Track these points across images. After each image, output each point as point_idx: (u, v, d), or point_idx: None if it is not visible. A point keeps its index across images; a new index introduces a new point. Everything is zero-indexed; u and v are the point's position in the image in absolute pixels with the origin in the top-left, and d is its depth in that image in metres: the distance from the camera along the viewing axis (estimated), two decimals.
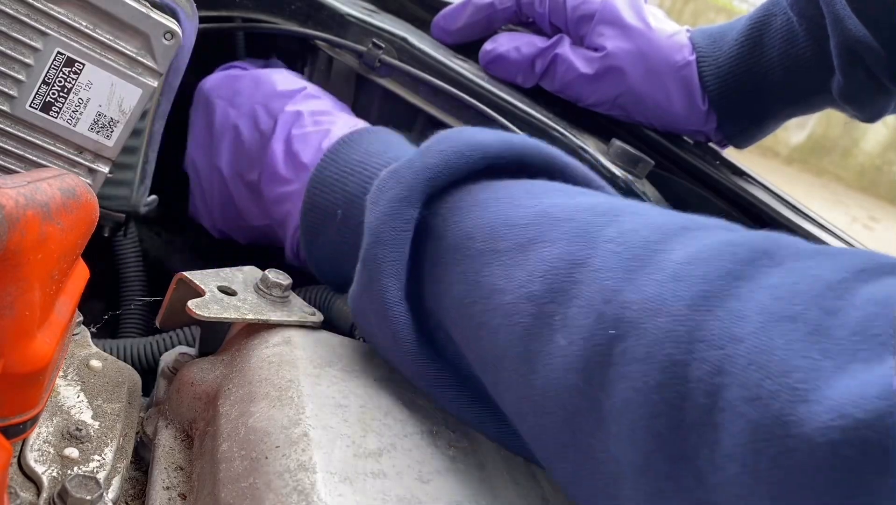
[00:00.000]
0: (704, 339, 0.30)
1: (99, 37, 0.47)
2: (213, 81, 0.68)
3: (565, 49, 0.73)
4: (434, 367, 0.45)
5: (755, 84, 0.71)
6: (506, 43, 0.75)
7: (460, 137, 0.47)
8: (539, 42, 0.74)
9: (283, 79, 0.66)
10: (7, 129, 0.47)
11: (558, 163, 0.49)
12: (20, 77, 0.46)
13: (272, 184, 0.60)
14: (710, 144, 0.79)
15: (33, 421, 0.36)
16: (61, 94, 0.47)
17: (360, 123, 0.62)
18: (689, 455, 0.30)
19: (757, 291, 0.31)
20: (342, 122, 0.61)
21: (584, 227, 0.39)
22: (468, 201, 0.46)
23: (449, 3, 0.81)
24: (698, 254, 0.34)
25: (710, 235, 0.35)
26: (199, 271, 0.49)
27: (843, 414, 0.25)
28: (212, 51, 0.70)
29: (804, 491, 0.25)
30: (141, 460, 0.46)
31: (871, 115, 0.70)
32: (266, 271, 0.51)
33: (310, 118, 0.61)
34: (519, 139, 0.49)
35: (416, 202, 0.45)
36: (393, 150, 0.56)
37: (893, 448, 0.24)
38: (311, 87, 0.67)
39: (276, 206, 0.60)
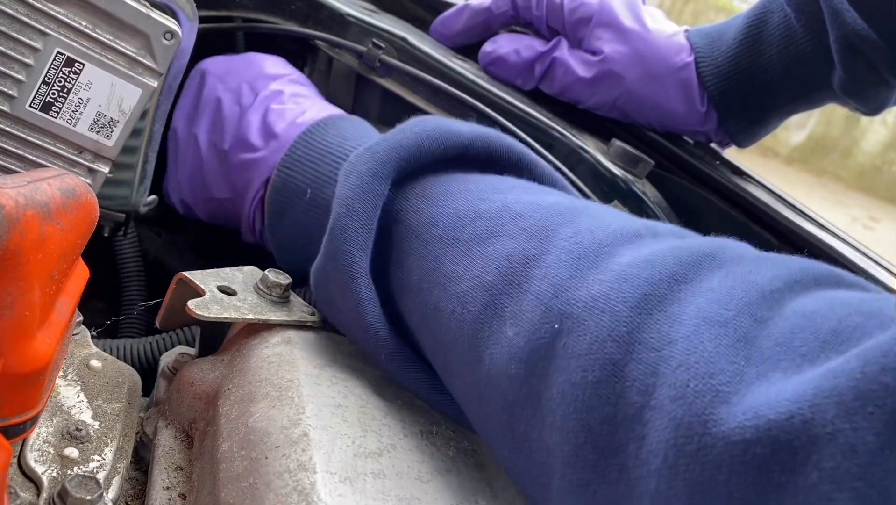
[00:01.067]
0: (643, 341, 0.31)
1: (99, 37, 0.47)
2: (211, 60, 0.69)
3: (563, 52, 0.73)
4: (394, 341, 0.46)
5: (755, 82, 0.71)
6: (506, 45, 0.75)
7: (436, 123, 0.49)
8: (538, 45, 0.74)
9: (272, 63, 0.68)
10: (7, 129, 0.47)
11: (526, 160, 0.51)
12: (20, 77, 0.46)
13: (240, 150, 0.61)
14: (711, 145, 0.79)
15: (33, 421, 0.36)
16: (61, 94, 0.47)
17: (337, 112, 0.63)
18: (617, 449, 0.31)
19: (696, 294, 0.32)
20: (319, 108, 0.63)
21: (543, 225, 0.40)
22: (436, 189, 0.47)
23: (450, 4, 0.81)
24: (646, 257, 0.35)
25: (661, 242, 0.37)
26: (199, 271, 0.49)
27: (758, 414, 0.26)
28: (212, 51, 0.70)
29: (718, 487, 0.26)
30: (141, 460, 0.46)
31: (873, 108, 0.70)
32: (266, 271, 0.51)
33: (290, 98, 0.63)
34: (492, 133, 0.50)
35: (387, 178, 0.46)
36: (367, 138, 0.57)
37: (802, 448, 0.25)
38: (298, 75, 0.68)
39: (241, 173, 0.61)
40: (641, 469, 0.30)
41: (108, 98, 0.48)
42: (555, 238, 0.39)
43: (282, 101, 0.62)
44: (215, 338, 0.52)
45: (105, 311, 0.71)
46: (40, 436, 0.42)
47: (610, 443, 0.31)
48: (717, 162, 0.78)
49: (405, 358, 0.46)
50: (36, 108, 0.47)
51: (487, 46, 0.76)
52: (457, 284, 0.41)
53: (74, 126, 0.48)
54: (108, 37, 0.47)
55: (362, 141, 0.56)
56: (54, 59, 0.46)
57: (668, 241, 0.37)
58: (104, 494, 0.40)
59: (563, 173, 0.67)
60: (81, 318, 0.50)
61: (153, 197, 0.59)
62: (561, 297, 0.35)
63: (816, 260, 0.34)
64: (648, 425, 0.30)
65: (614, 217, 0.41)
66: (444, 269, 0.43)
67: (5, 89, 0.46)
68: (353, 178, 0.47)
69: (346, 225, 0.45)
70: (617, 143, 0.69)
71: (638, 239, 0.37)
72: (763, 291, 0.31)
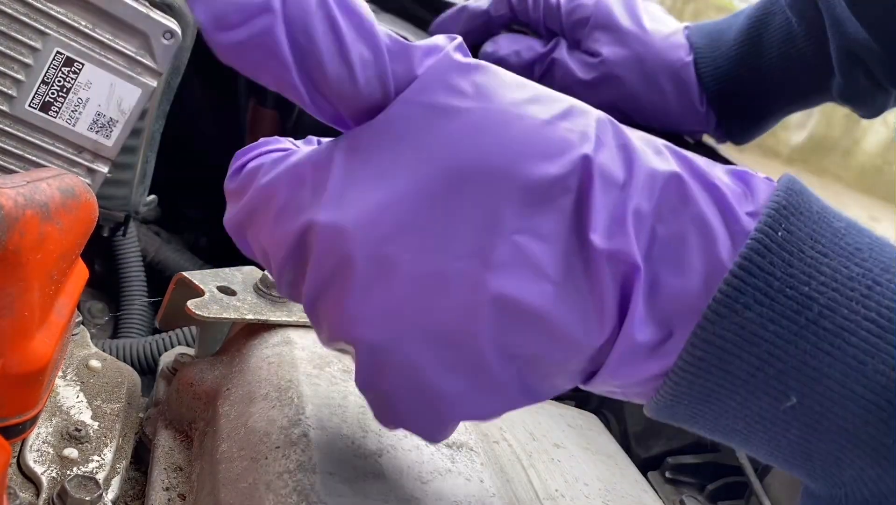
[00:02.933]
0: None
1: (98, 36, 0.47)
2: None
3: (562, 53, 0.73)
4: None
5: (754, 84, 0.71)
6: (506, 46, 0.75)
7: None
8: (538, 46, 0.74)
9: None
10: (6, 128, 0.47)
11: None
12: (19, 77, 0.46)
13: None
14: (707, 139, 0.79)
15: (32, 421, 0.35)
16: (60, 93, 0.47)
17: None
18: None
19: None
20: None
21: None
22: None
23: (450, 4, 0.81)
24: None
25: None
26: (198, 271, 0.49)
27: None
28: (211, 50, 0.70)
29: None
30: (140, 461, 0.46)
31: (871, 113, 0.70)
32: (266, 271, 0.51)
33: None
34: None
35: None
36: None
37: None
38: None
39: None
40: None
41: (107, 98, 0.48)
42: None
43: None
44: (215, 338, 0.52)
45: (104, 311, 0.71)
46: (39, 436, 0.42)
47: None
48: (718, 162, 0.78)
49: None
50: (35, 108, 0.47)
51: (488, 47, 0.76)
52: None
53: (74, 126, 0.48)
54: (107, 36, 0.47)
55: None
56: (54, 59, 0.46)
57: None
58: (103, 494, 0.40)
59: None
60: (81, 318, 0.50)
61: (152, 197, 0.59)
62: None
63: None
64: None
65: None
66: None
67: (5, 89, 0.46)
68: None
69: None
70: None
71: None
72: None
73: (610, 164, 0.31)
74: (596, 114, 0.33)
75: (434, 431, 0.33)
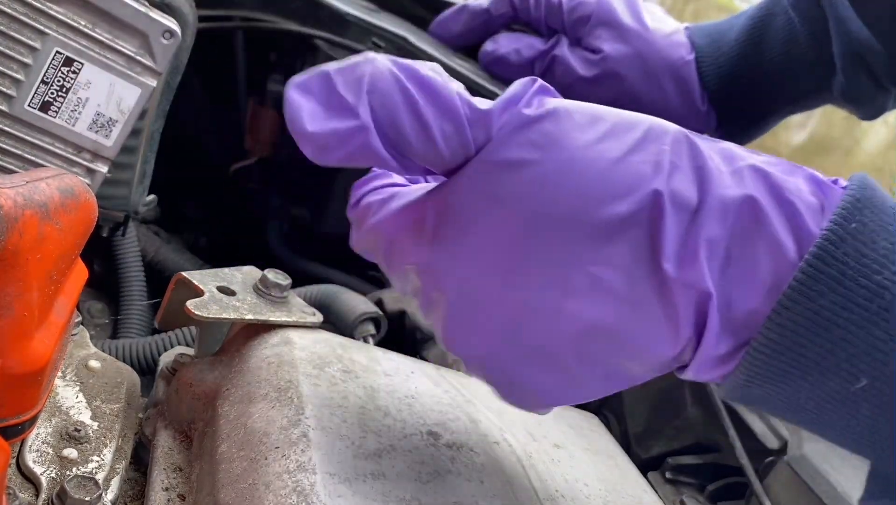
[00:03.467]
0: None
1: (98, 36, 0.47)
2: None
3: (563, 50, 0.73)
4: None
5: (755, 84, 0.71)
6: (506, 45, 0.75)
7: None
8: (538, 44, 0.74)
9: None
10: (5, 128, 0.47)
11: None
12: (19, 76, 0.46)
13: None
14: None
15: (32, 421, 0.35)
16: (60, 93, 0.47)
17: None
18: None
19: None
20: None
21: None
22: None
23: (450, 4, 0.81)
24: None
25: None
26: (198, 271, 0.49)
27: None
28: (211, 50, 0.70)
29: None
30: (140, 461, 0.46)
31: (871, 114, 0.70)
32: (265, 271, 0.51)
33: None
34: None
35: None
36: None
37: None
38: None
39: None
40: None
41: (107, 97, 0.48)
42: None
43: None
44: (215, 338, 0.52)
45: (104, 311, 0.71)
46: (39, 436, 0.42)
47: None
48: None
49: None
50: (35, 108, 0.47)
51: (488, 46, 0.76)
52: None
53: (73, 125, 0.48)
54: (107, 36, 0.47)
55: None
56: (53, 59, 0.46)
57: None
58: (103, 494, 0.40)
59: None
60: (80, 318, 0.50)
61: (152, 197, 0.59)
62: None
63: None
64: None
65: None
66: None
67: (4, 89, 0.46)
68: None
69: None
70: None
71: None
72: None
73: (683, 189, 0.32)
74: (672, 133, 0.34)
75: (536, 409, 0.39)
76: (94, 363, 0.48)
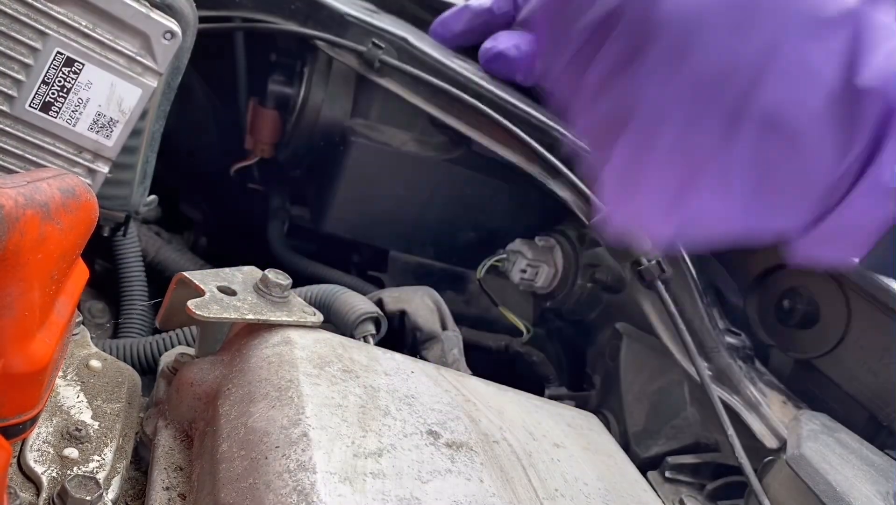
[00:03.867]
0: None
1: (98, 37, 0.47)
2: None
3: None
4: None
5: None
6: (505, 41, 0.75)
7: None
8: None
9: None
10: (7, 128, 0.47)
11: None
12: (20, 77, 0.46)
13: None
14: None
15: (33, 421, 0.36)
16: (61, 93, 0.47)
17: None
18: None
19: None
20: None
21: None
22: None
23: (450, 4, 0.81)
24: None
25: None
26: (198, 271, 0.49)
27: None
28: (212, 50, 0.70)
29: None
30: (140, 460, 0.46)
31: None
32: (266, 271, 0.51)
33: None
34: None
35: None
36: None
37: None
38: None
39: None
40: None
41: (107, 98, 0.48)
42: None
43: None
44: (215, 338, 0.52)
45: (105, 311, 0.71)
46: (40, 436, 0.42)
47: None
48: None
49: None
50: (35, 108, 0.47)
51: (487, 43, 0.76)
52: None
53: (74, 126, 0.48)
54: (107, 37, 0.47)
55: None
56: (54, 59, 0.46)
57: None
58: (104, 494, 0.40)
59: (563, 173, 0.67)
60: (81, 317, 0.50)
61: (153, 197, 0.59)
62: None
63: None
64: None
65: None
66: None
67: (5, 89, 0.46)
68: None
69: None
70: None
71: None
72: None
73: (885, 16, 0.36)
74: None
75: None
76: (94, 363, 0.48)
